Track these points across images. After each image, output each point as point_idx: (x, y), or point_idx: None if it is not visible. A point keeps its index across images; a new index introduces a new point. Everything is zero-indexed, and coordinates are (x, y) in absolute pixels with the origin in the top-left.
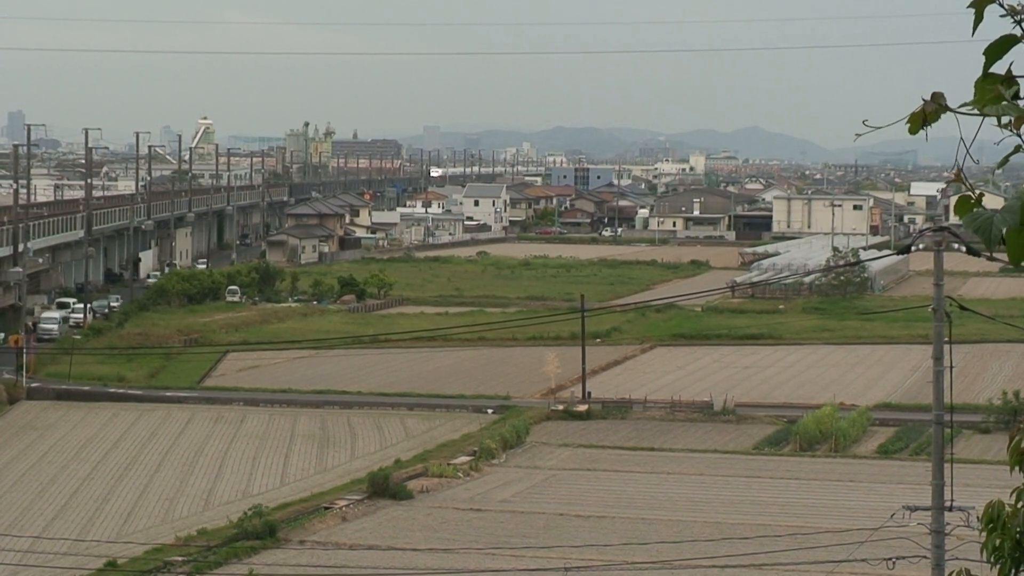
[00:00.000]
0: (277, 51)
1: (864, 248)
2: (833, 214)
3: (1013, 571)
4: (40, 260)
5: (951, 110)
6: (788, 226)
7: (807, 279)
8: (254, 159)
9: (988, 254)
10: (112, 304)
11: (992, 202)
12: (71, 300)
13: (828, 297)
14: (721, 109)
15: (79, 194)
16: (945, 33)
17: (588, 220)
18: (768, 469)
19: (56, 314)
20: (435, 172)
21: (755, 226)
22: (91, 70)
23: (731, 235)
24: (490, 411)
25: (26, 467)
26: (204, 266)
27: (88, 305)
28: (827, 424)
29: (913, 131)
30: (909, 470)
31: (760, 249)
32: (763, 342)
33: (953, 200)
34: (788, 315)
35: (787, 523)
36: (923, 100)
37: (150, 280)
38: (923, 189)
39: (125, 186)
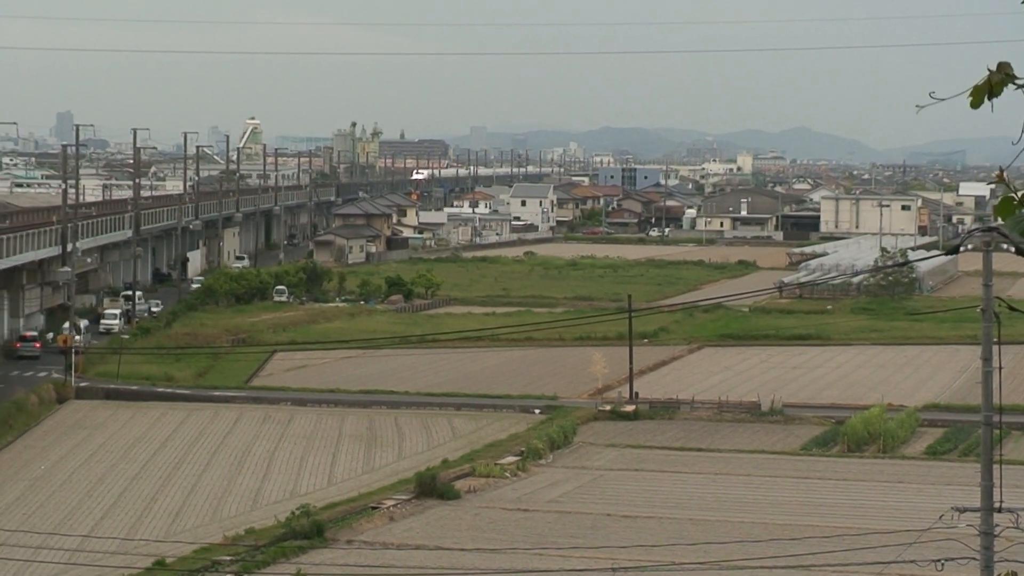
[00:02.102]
0: (325, 51)
1: (912, 248)
2: (881, 214)
3: None
4: (88, 260)
5: (1018, 81)
6: (836, 226)
7: (855, 279)
8: (301, 159)
9: None
10: (153, 309)
11: None
12: (138, 293)
13: (876, 298)
14: (769, 109)
15: (127, 194)
16: (993, 32)
17: (635, 220)
18: (816, 470)
19: (118, 309)
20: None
21: (803, 226)
22: (139, 70)
23: (779, 235)
24: (537, 411)
25: (75, 466)
26: (245, 263)
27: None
28: (875, 425)
29: (975, 104)
30: (958, 471)
31: (808, 249)
32: (811, 343)
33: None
34: (836, 315)
35: (835, 524)
36: (988, 70)
37: (195, 285)
38: (972, 189)
39: (173, 186)
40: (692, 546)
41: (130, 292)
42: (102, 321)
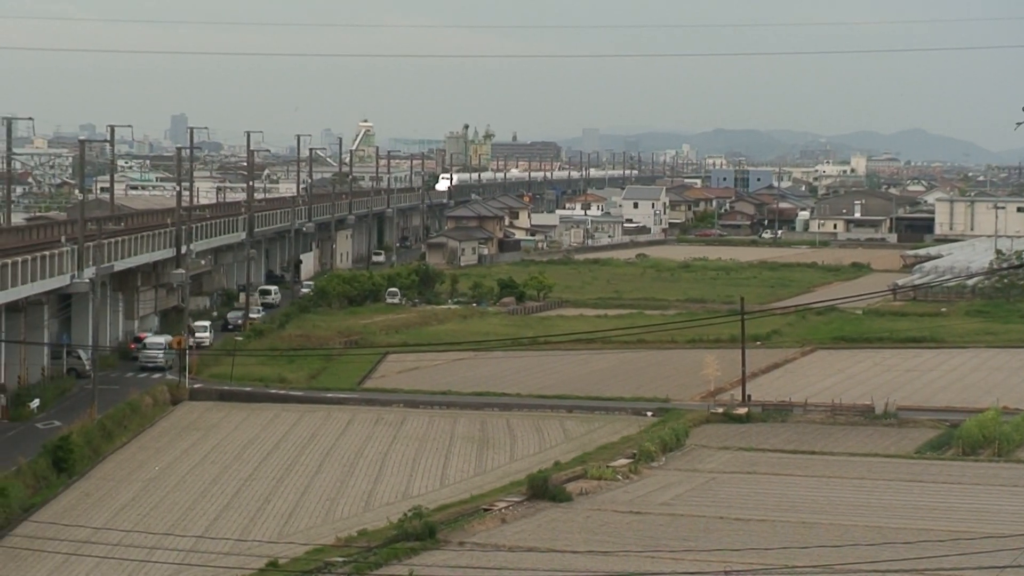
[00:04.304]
0: (438, 54)
1: None
2: (996, 216)
3: None
4: (203, 262)
5: None
6: (951, 228)
7: (970, 282)
8: (414, 161)
9: None
10: (251, 316)
11: None
12: (272, 288)
13: (992, 300)
14: (883, 111)
15: (241, 196)
16: None
17: (748, 222)
18: (930, 473)
19: (207, 322)
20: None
21: (917, 228)
22: (253, 73)
23: (892, 237)
24: (649, 414)
25: (189, 467)
26: (382, 259)
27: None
28: (990, 428)
29: None
30: None
31: (922, 251)
32: (925, 345)
33: None
34: (951, 318)
35: (949, 528)
36: None
37: (304, 289)
38: None
39: (286, 188)
40: (805, 549)
41: (268, 287)
42: (195, 335)
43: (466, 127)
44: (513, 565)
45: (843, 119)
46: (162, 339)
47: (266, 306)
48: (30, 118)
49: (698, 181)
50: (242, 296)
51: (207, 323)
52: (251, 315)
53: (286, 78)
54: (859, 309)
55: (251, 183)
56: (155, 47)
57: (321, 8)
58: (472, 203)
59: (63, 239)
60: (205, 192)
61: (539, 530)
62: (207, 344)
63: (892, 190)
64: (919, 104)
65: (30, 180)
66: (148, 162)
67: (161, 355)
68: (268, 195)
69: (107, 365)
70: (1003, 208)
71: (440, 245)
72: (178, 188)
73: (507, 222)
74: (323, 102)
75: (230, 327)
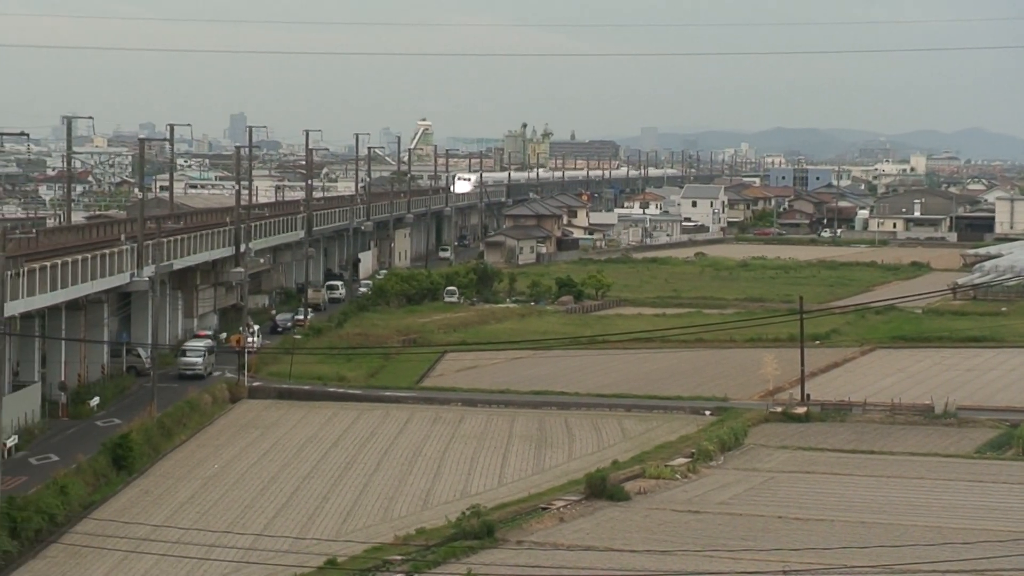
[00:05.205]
0: (497, 52)
1: None
2: None
3: None
4: (261, 260)
5: None
6: (1011, 227)
7: None
8: (472, 160)
9: None
10: (297, 317)
11: None
12: (339, 283)
13: None
14: (943, 109)
15: (300, 195)
16: None
17: (807, 221)
18: (990, 473)
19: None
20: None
21: (977, 227)
22: (312, 72)
23: (952, 236)
24: (708, 413)
25: (248, 465)
26: (447, 254)
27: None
28: None
29: None
30: None
31: (982, 251)
32: (985, 345)
33: None
34: (1011, 317)
35: (1009, 528)
36: None
37: (362, 289)
38: None
39: (345, 187)
40: (864, 549)
41: (335, 282)
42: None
43: (524, 126)
44: (571, 564)
45: (903, 118)
46: (202, 344)
47: (333, 300)
48: (90, 117)
49: (757, 180)
50: (309, 291)
51: (256, 327)
52: (300, 316)
53: (346, 77)
54: (919, 308)
55: (310, 182)
56: (215, 46)
57: (384, 6)
58: (530, 202)
59: (123, 238)
60: (264, 191)
61: (597, 529)
62: (254, 350)
63: (952, 189)
64: (980, 103)
65: (90, 179)
66: (207, 161)
67: (200, 362)
68: (326, 194)
69: (166, 363)
70: None
71: (498, 244)
72: (237, 187)
73: (565, 221)
74: (382, 101)
75: (279, 329)
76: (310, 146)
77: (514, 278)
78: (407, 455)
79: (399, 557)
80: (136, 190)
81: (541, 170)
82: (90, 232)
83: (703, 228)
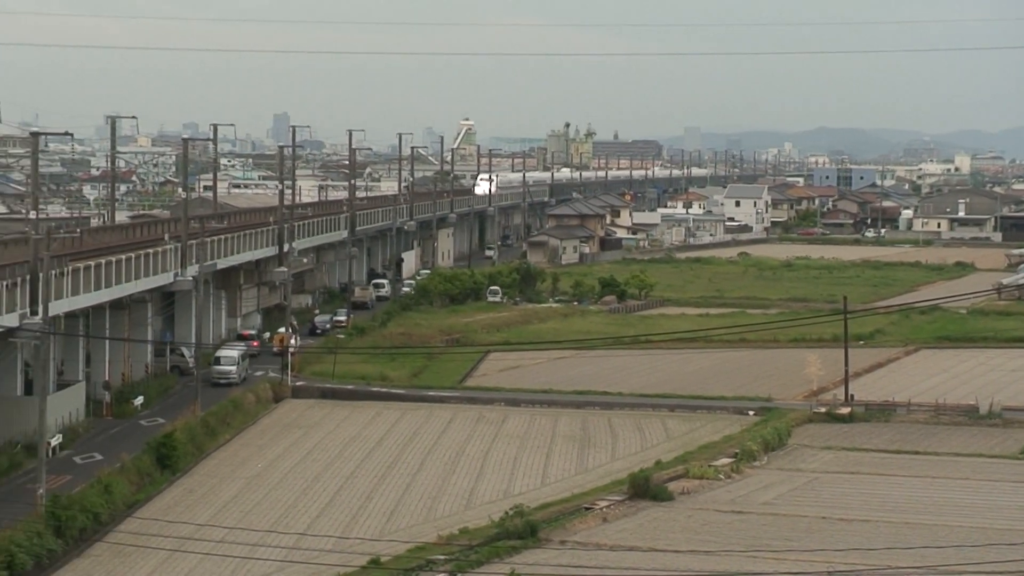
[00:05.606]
0: (540, 52)
1: None
2: None
3: None
4: (305, 260)
5: None
6: None
7: None
8: (515, 160)
9: None
10: (336, 319)
11: None
12: (384, 281)
13: None
14: (988, 109)
15: (343, 195)
16: None
17: (851, 221)
18: None
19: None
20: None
21: (1022, 227)
22: (355, 72)
23: (997, 236)
24: (751, 413)
25: (291, 464)
26: (494, 255)
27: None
28: None
29: None
30: None
31: None
32: None
33: None
34: None
35: None
36: None
37: (404, 288)
38: None
39: (388, 187)
40: (909, 550)
41: (380, 280)
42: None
43: (567, 125)
44: (614, 564)
45: (947, 117)
46: (235, 352)
47: (379, 298)
48: (134, 117)
49: (800, 180)
50: (356, 290)
51: (295, 322)
52: (340, 318)
53: (388, 77)
54: (963, 308)
55: (353, 181)
56: (258, 46)
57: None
58: (573, 201)
59: (167, 237)
60: (307, 190)
61: (640, 529)
62: (295, 350)
63: (997, 189)
64: None
65: (134, 178)
66: (251, 160)
67: (234, 370)
68: (370, 193)
69: (210, 363)
70: None
71: (541, 243)
72: (280, 186)
73: (608, 220)
74: (425, 100)
75: (317, 331)
76: (353, 146)
77: (557, 278)
78: (450, 455)
79: (442, 557)
80: (180, 190)
81: (584, 170)
82: (134, 232)
83: (746, 228)
